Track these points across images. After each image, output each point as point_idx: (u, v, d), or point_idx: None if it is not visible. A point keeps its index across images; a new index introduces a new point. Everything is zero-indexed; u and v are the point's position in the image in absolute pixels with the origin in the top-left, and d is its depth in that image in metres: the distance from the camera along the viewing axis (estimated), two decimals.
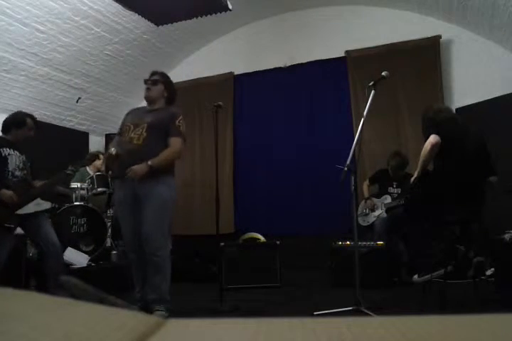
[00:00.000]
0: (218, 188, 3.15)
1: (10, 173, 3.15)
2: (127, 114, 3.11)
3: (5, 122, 3.32)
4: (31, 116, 3.37)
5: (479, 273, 3.35)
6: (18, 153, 3.26)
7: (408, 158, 4.44)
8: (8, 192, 3.05)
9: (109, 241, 4.48)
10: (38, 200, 3.22)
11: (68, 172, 3.26)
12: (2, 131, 3.32)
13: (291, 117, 5.72)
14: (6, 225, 3.05)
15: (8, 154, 3.19)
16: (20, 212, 3.11)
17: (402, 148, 4.88)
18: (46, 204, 3.29)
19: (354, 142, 2.80)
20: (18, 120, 3.29)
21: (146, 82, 3.01)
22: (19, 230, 3.23)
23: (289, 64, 5.77)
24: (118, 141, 2.98)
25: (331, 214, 5.19)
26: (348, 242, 3.87)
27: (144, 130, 2.83)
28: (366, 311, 2.53)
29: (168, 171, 2.86)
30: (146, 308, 2.81)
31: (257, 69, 5.91)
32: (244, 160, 5.91)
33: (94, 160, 4.93)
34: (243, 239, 4.69)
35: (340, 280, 3.70)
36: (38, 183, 3.35)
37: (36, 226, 3.20)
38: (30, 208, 3.16)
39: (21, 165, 3.25)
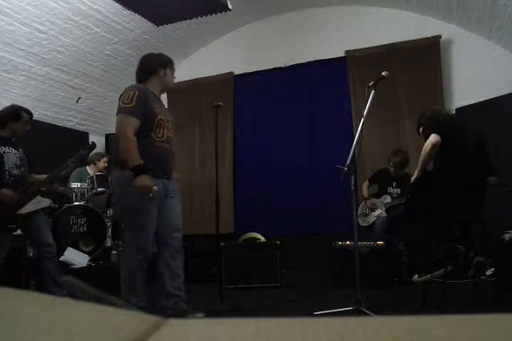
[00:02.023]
0: (218, 188, 3.15)
1: (7, 172, 3.08)
2: (146, 97, 2.60)
3: (1, 115, 3.17)
4: (26, 110, 3.26)
5: (479, 273, 3.35)
6: (14, 150, 3.17)
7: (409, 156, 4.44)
8: (8, 193, 2.98)
9: (109, 241, 4.48)
10: (38, 198, 3.18)
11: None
12: None
13: (291, 117, 5.72)
14: (8, 226, 3.03)
15: (4, 152, 3.09)
16: (22, 211, 3.06)
17: (402, 148, 4.88)
18: (46, 201, 3.25)
19: (354, 142, 2.80)
20: (14, 113, 3.17)
21: (173, 68, 2.85)
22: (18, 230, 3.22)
23: (288, 64, 5.77)
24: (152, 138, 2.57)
25: (331, 214, 5.19)
26: (348, 242, 3.88)
27: (171, 131, 2.72)
28: (366, 311, 2.53)
29: None
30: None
31: (257, 69, 5.92)
32: (244, 160, 5.91)
33: (99, 160, 4.96)
34: (243, 239, 4.70)
35: (340, 280, 3.70)
36: (35, 176, 3.30)
37: (34, 225, 3.16)
38: (32, 206, 3.12)
39: (18, 162, 3.17)
